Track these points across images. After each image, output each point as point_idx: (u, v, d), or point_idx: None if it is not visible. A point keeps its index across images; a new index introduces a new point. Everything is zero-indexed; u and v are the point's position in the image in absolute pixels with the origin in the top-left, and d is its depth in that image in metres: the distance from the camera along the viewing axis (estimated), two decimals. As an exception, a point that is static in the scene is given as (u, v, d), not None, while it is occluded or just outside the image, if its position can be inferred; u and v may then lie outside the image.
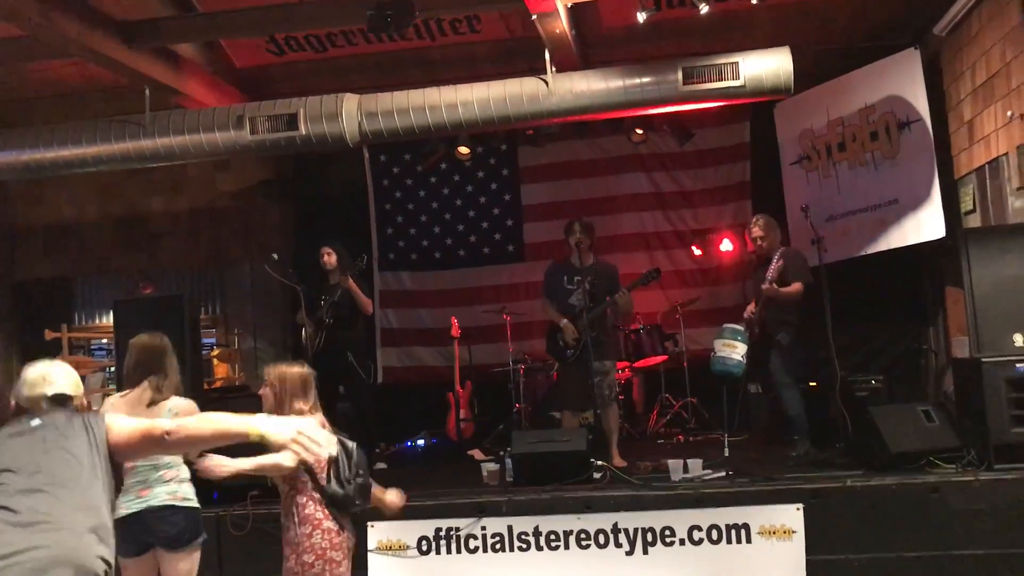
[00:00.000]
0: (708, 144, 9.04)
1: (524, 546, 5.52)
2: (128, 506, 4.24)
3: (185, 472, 4.36)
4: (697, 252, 8.85)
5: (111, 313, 10.12)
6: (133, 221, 10.21)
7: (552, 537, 5.50)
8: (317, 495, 3.87)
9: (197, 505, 4.38)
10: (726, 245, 8.68)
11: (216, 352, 9.47)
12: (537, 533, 5.51)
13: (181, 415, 4.16)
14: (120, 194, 10.16)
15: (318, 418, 4.03)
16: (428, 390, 8.96)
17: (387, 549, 5.65)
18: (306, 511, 3.85)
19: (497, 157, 9.49)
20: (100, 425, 2.93)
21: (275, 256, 7.19)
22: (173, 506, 4.28)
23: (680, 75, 6.83)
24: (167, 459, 4.30)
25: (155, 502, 4.27)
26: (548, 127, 8.73)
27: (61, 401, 2.98)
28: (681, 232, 9.10)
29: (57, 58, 7.50)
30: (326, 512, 3.88)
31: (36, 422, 2.86)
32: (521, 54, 8.06)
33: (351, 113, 7.16)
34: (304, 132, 7.21)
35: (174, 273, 10.16)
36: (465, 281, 9.52)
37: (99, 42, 6.61)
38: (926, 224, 7.62)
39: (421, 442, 8.73)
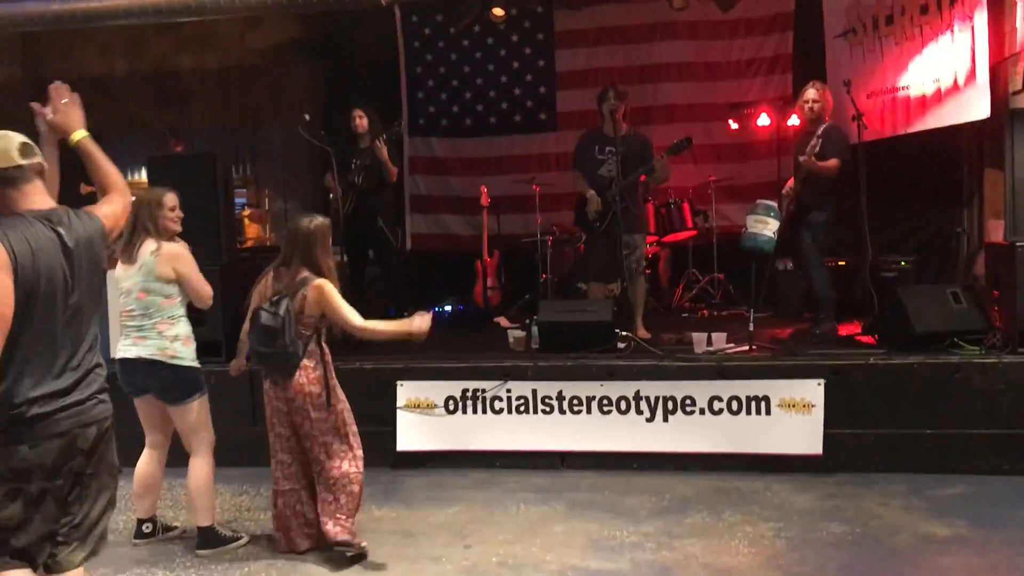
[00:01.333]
0: (750, 13, 8.73)
1: (548, 409, 5.67)
2: (126, 350, 4.37)
3: (182, 328, 4.41)
4: (733, 126, 8.67)
5: (143, 169, 10.22)
6: (163, 77, 10.12)
7: (575, 402, 5.64)
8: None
9: (190, 363, 4.39)
10: (763, 119, 8.49)
11: (247, 212, 9.53)
12: (560, 398, 5.65)
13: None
14: (149, 49, 10.05)
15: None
16: (456, 258, 9.02)
17: (415, 407, 5.82)
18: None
19: (532, 20, 9.24)
20: None
21: (307, 117, 7.12)
22: (161, 362, 4.32)
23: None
24: (164, 309, 4.35)
25: (145, 354, 4.33)
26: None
27: None
28: (718, 104, 8.89)
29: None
30: None
31: None
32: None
33: (386, -32, 6.98)
34: (337, -12, 7.07)
35: (205, 131, 10.13)
36: (495, 150, 9.44)
37: None
38: (971, 104, 7.37)
39: (448, 308, 8.85)
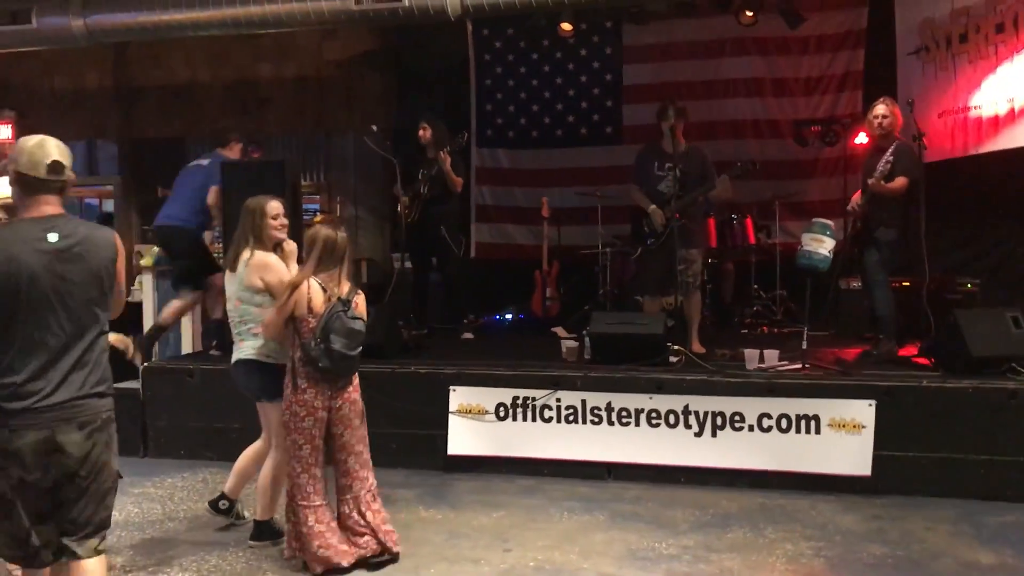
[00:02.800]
0: (821, 30, 8.69)
1: (596, 420, 5.74)
2: (234, 355, 4.60)
3: None
4: (801, 142, 8.62)
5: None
6: (242, 86, 10.50)
7: (624, 414, 5.69)
8: None
9: (284, 362, 4.49)
10: (830, 137, 8.42)
11: (319, 218, 9.80)
12: (609, 409, 5.71)
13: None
14: (230, 59, 10.42)
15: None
16: (517, 267, 9.14)
17: (466, 412, 5.95)
18: None
19: (601, 35, 9.34)
20: None
21: (374, 128, 7.35)
22: (259, 362, 4.49)
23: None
24: (253, 315, 4.50)
25: (242, 356, 4.54)
26: (655, 3, 8.55)
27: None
28: (786, 121, 8.86)
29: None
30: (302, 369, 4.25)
31: None
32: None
33: (453, -15, 7.15)
34: (407, 4, 7.27)
35: (281, 139, 10.47)
36: (560, 161, 9.55)
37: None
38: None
39: (508, 316, 8.98)
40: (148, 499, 5.53)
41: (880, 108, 6.37)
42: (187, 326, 7.79)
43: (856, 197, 6.30)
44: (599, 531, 4.78)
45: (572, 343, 6.42)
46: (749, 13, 8.28)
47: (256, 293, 4.45)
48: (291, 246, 4.61)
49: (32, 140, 2.98)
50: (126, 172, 10.86)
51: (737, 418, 5.53)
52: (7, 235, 2.91)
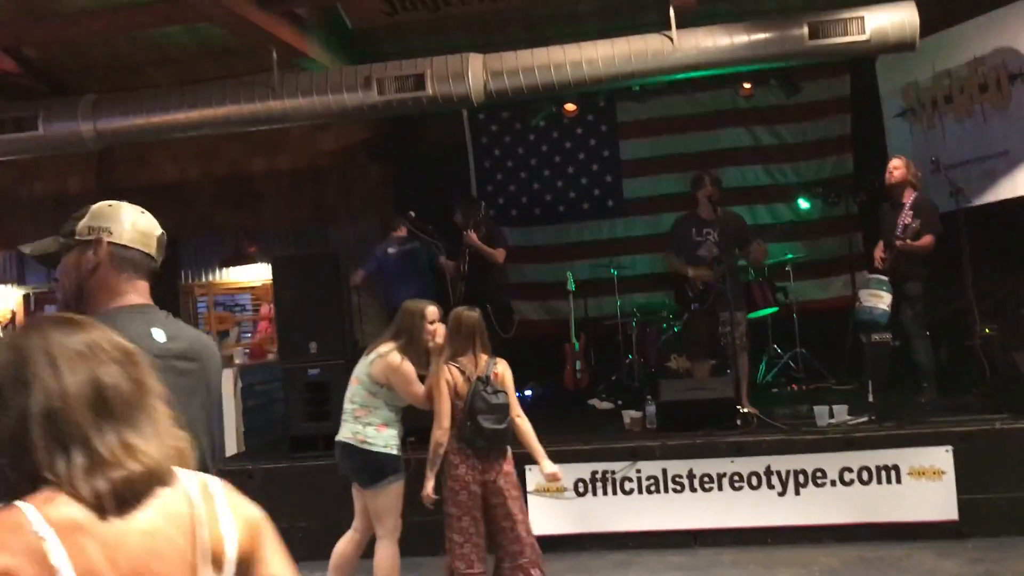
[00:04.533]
0: (809, 97, 9.10)
1: (678, 488, 5.79)
2: (338, 434, 4.66)
3: (378, 417, 4.59)
4: (804, 205, 8.95)
5: (217, 270, 10.48)
6: (235, 181, 10.46)
7: (705, 479, 5.76)
8: None
9: (380, 450, 4.55)
10: (833, 198, 8.78)
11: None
12: (691, 476, 5.77)
13: None
14: (221, 154, 10.40)
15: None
16: (536, 343, 9.17)
17: (544, 491, 5.92)
18: None
19: (595, 113, 9.61)
20: None
21: (412, 213, 7.39)
22: (352, 446, 4.56)
23: (805, 31, 6.93)
24: (363, 402, 4.56)
25: (341, 437, 4.64)
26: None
27: None
28: (781, 186, 9.21)
29: (188, 22, 7.66)
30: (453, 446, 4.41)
31: None
32: (625, 8, 8.21)
33: (477, 73, 7.31)
34: (431, 92, 7.37)
35: (277, 231, 10.42)
36: (566, 236, 9.70)
37: (238, 3, 6.79)
38: (1027, 178, 7.72)
39: (528, 392, 8.98)
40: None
41: (895, 162, 6.74)
42: (230, 426, 7.59)
43: (880, 250, 6.54)
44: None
45: (635, 413, 6.48)
46: (747, 85, 8.66)
47: (377, 384, 4.50)
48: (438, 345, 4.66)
49: (125, 204, 2.39)
50: (115, 274, 10.63)
51: (819, 474, 5.65)
52: (120, 322, 2.08)
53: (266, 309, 9.59)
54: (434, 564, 5.54)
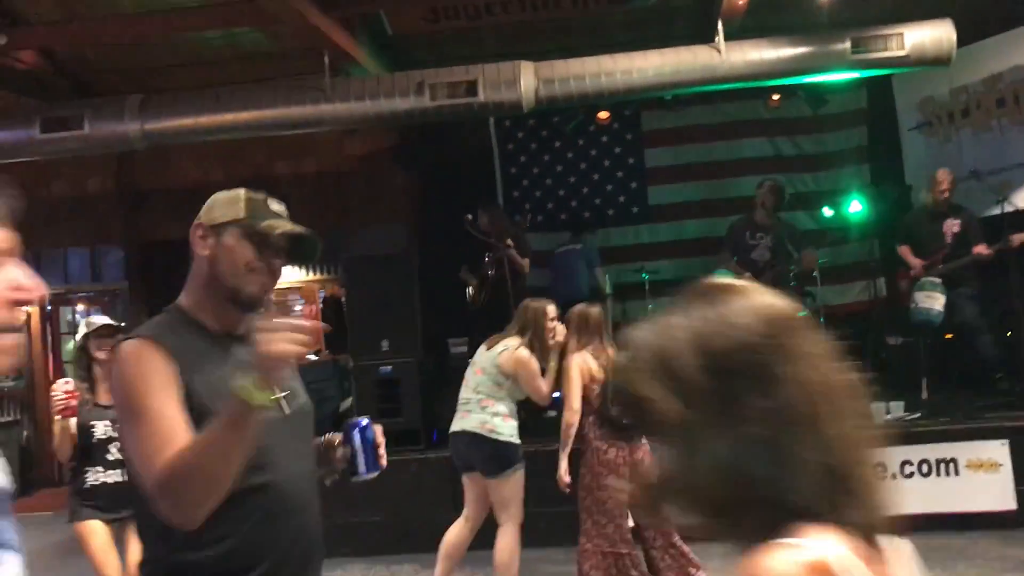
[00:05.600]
0: (828, 110, 9.44)
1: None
2: (455, 424, 4.80)
3: (504, 407, 4.76)
4: (828, 212, 9.25)
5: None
6: (259, 184, 10.20)
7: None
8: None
9: (508, 439, 4.73)
10: (854, 206, 9.09)
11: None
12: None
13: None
14: (245, 157, 10.44)
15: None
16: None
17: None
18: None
19: (621, 121, 9.84)
20: None
21: (470, 216, 7.53)
22: (481, 435, 4.71)
23: (849, 45, 7.25)
24: (490, 392, 4.72)
25: (466, 427, 4.75)
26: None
27: None
28: (808, 193, 9.53)
29: (254, 25, 7.73)
30: (598, 432, 4.51)
31: None
32: (655, 20, 8.47)
33: (528, 79, 7.50)
34: (483, 99, 7.55)
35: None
36: (600, 241, 9.89)
37: (304, 6, 6.89)
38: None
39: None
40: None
41: (944, 176, 7.05)
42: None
43: (920, 263, 6.80)
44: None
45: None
46: (776, 97, 8.98)
47: (504, 376, 4.66)
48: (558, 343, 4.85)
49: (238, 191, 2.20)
50: (134, 278, 10.61)
51: (880, 468, 5.89)
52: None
53: (309, 309, 9.64)
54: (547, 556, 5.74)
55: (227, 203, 2.14)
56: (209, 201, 2.22)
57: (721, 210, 9.59)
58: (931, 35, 7.22)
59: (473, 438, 4.72)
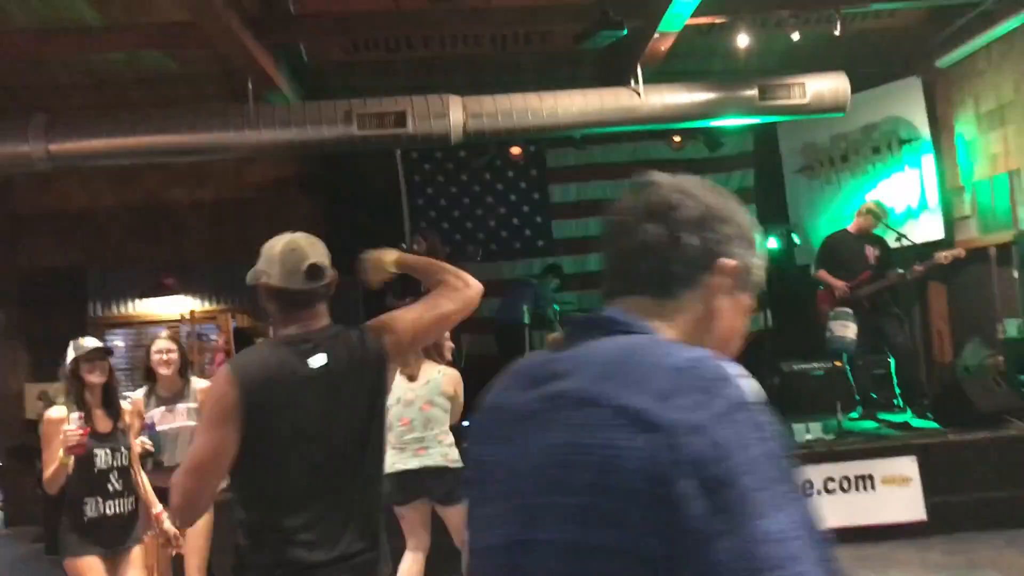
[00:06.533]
0: (721, 152, 10.05)
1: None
2: (406, 463, 4.72)
3: (450, 435, 4.85)
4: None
5: (128, 302, 10.08)
6: (152, 211, 10.12)
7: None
8: None
9: (461, 465, 4.79)
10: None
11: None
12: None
13: None
14: (137, 183, 10.02)
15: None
16: (485, 372, 9.42)
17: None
18: None
19: (527, 156, 10.11)
20: None
21: (404, 246, 7.54)
22: (445, 467, 4.74)
23: (756, 92, 7.82)
24: (442, 422, 4.79)
25: (430, 462, 4.74)
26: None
27: None
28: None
29: (184, 47, 7.53)
30: None
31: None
32: (561, 61, 8.85)
33: (457, 114, 7.66)
34: (411, 130, 7.65)
35: (198, 264, 10.14)
36: (498, 274, 10.08)
37: (242, 33, 6.80)
38: (926, 226, 8.99)
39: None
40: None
41: (875, 207, 7.64)
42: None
43: (844, 285, 7.36)
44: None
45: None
46: (678, 139, 9.50)
47: (449, 401, 4.74)
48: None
49: (279, 244, 2.57)
50: (10, 305, 9.96)
51: (808, 484, 6.33)
52: (268, 358, 2.42)
53: (222, 338, 9.32)
54: None
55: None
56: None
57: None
58: (829, 86, 7.88)
59: (437, 472, 4.72)
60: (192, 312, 9.84)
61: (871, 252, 7.35)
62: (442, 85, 8.07)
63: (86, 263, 10.13)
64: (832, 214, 9.76)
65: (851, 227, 7.66)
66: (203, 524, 4.53)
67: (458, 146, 9.28)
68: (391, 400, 4.70)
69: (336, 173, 10.16)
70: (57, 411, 3.86)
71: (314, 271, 2.48)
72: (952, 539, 6.12)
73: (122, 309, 10.15)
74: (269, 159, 9.91)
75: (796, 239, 9.58)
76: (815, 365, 8.70)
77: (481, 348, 9.59)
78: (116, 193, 10.07)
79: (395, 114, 7.63)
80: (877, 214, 7.50)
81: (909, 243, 7.63)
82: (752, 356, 9.34)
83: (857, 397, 7.45)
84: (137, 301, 10.11)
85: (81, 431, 3.75)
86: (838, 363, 8.42)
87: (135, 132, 7.50)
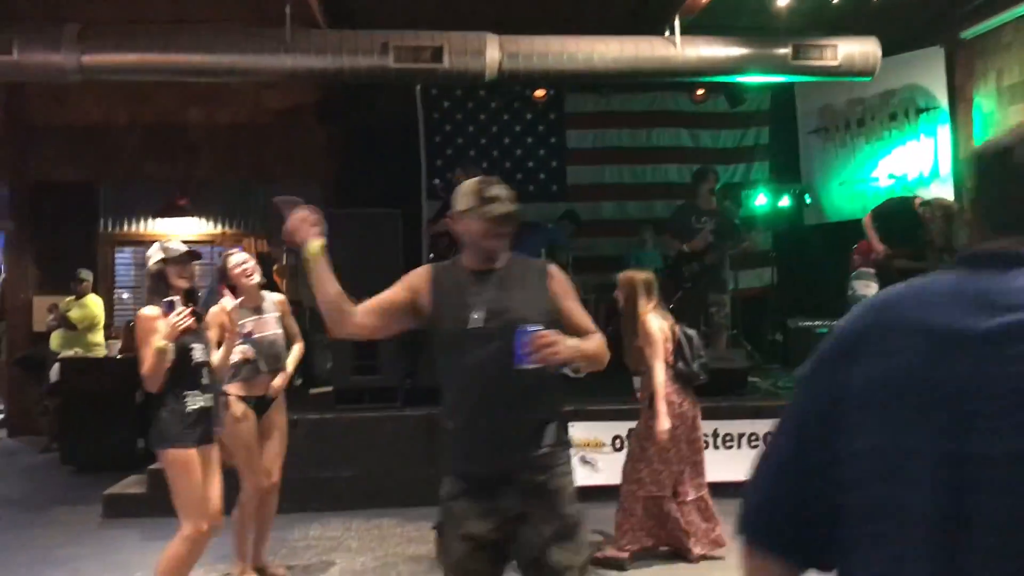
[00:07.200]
0: (743, 108, 10.15)
1: (703, 445, 6.51)
2: None
3: None
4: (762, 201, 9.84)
5: (140, 221, 10.05)
6: (167, 130, 10.04)
7: (727, 438, 6.55)
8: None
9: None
10: (760, 199, 9.81)
11: (276, 267, 9.61)
12: (715, 435, 6.53)
13: None
14: (152, 101, 9.95)
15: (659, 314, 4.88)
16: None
17: (584, 445, 6.47)
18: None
19: (546, 101, 10.14)
20: None
21: (437, 182, 7.59)
22: None
23: (790, 51, 7.89)
24: None
25: None
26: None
27: None
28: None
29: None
30: (673, 387, 4.86)
31: None
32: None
33: (494, 52, 7.67)
34: (447, 66, 7.64)
35: (212, 186, 10.11)
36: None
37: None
38: (936, 195, 9.15)
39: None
40: (335, 549, 5.46)
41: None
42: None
43: (883, 249, 7.49)
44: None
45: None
46: (701, 92, 9.58)
47: None
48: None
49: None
50: (21, 217, 9.89)
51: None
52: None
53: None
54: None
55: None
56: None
57: (638, 194, 10.19)
58: (860, 50, 7.97)
59: None
60: (224, 232, 9.88)
61: (921, 235, 7.46)
62: (470, 19, 8.03)
63: (98, 179, 10.06)
64: (844, 177, 9.95)
65: (917, 202, 7.72)
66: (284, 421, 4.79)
67: (479, 85, 9.30)
68: None
69: (354, 104, 10.10)
70: (150, 309, 3.86)
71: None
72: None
73: (134, 227, 10.11)
74: (288, 85, 9.85)
75: (807, 199, 9.75)
76: (819, 322, 9.00)
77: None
78: (131, 110, 9.98)
79: (432, 49, 7.62)
80: (939, 221, 7.56)
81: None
82: (757, 312, 9.61)
83: None
84: (149, 220, 10.07)
85: (188, 315, 3.81)
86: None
87: (169, 49, 7.43)
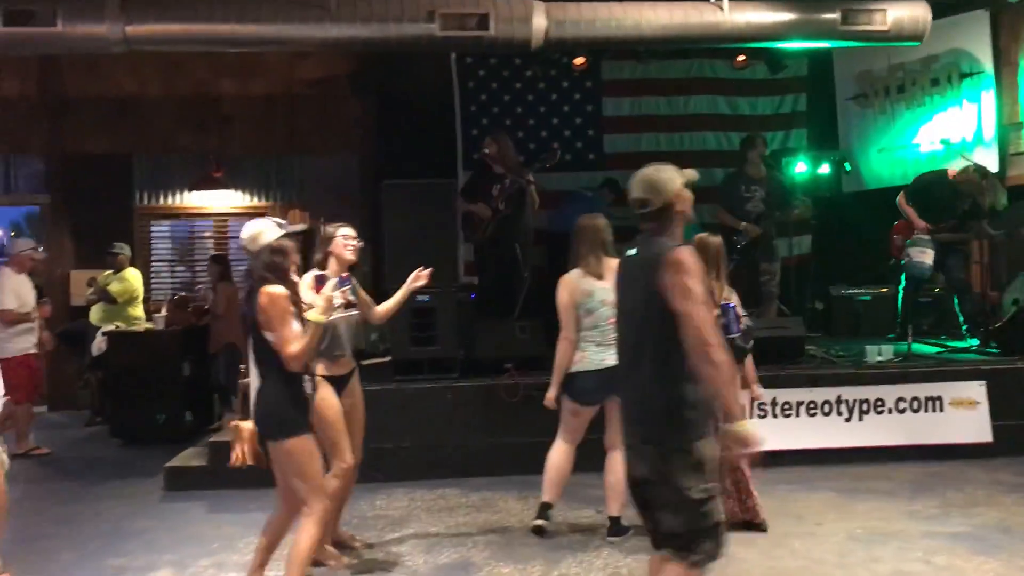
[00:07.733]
0: (782, 75, 10.02)
1: (762, 414, 6.50)
2: (606, 360, 4.72)
3: None
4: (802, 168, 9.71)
5: (175, 194, 10.00)
6: (200, 101, 9.96)
7: (786, 406, 6.54)
8: None
9: None
10: (799, 167, 9.70)
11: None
12: (774, 403, 6.51)
13: None
14: (185, 73, 9.87)
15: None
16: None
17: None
18: None
19: (581, 69, 10.02)
20: None
21: (486, 150, 7.50)
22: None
23: (839, 15, 7.78)
24: None
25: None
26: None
27: None
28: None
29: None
30: None
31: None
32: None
33: (540, 19, 7.56)
34: (493, 33, 7.53)
35: (246, 158, 10.04)
36: (547, 184, 10.06)
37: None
38: (980, 160, 9.08)
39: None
40: (405, 520, 5.47)
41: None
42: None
43: (924, 225, 7.49)
44: (860, 503, 5.57)
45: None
46: (741, 58, 9.47)
47: None
48: None
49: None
50: (56, 192, 9.84)
51: (879, 403, 6.58)
52: None
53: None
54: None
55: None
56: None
57: (674, 161, 10.03)
58: (909, 14, 7.85)
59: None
60: (259, 204, 9.87)
61: (960, 206, 7.44)
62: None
63: (132, 151, 9.99)
64: (884, 144, 9.87)
65: (951, 172, 7.67)
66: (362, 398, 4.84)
67: (514, 53, 9.19)
68: (596, 301, 4.82)
69: (388, 74, 9.99)
70: (278, 288, 3.75)
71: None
72: (1016, 460, 6.40)
73: (169, 200, 10.05)
74: (320, 55, 9.75)
75: (847, 167, 9.65)
76: (861, 290, 8.98)
77: (532, 259, 9.64)
78: (164, 81, 9.89)
79: (478, 16, 7.51)
80: (979, 181, 7.53)
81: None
82: (799, 279, 9.55)
83: (898, 322, 7.73)
84: (184, 193, 10.01)
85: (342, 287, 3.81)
86: (884, 289, 8.72)
87: (213, 19, 7.32)
